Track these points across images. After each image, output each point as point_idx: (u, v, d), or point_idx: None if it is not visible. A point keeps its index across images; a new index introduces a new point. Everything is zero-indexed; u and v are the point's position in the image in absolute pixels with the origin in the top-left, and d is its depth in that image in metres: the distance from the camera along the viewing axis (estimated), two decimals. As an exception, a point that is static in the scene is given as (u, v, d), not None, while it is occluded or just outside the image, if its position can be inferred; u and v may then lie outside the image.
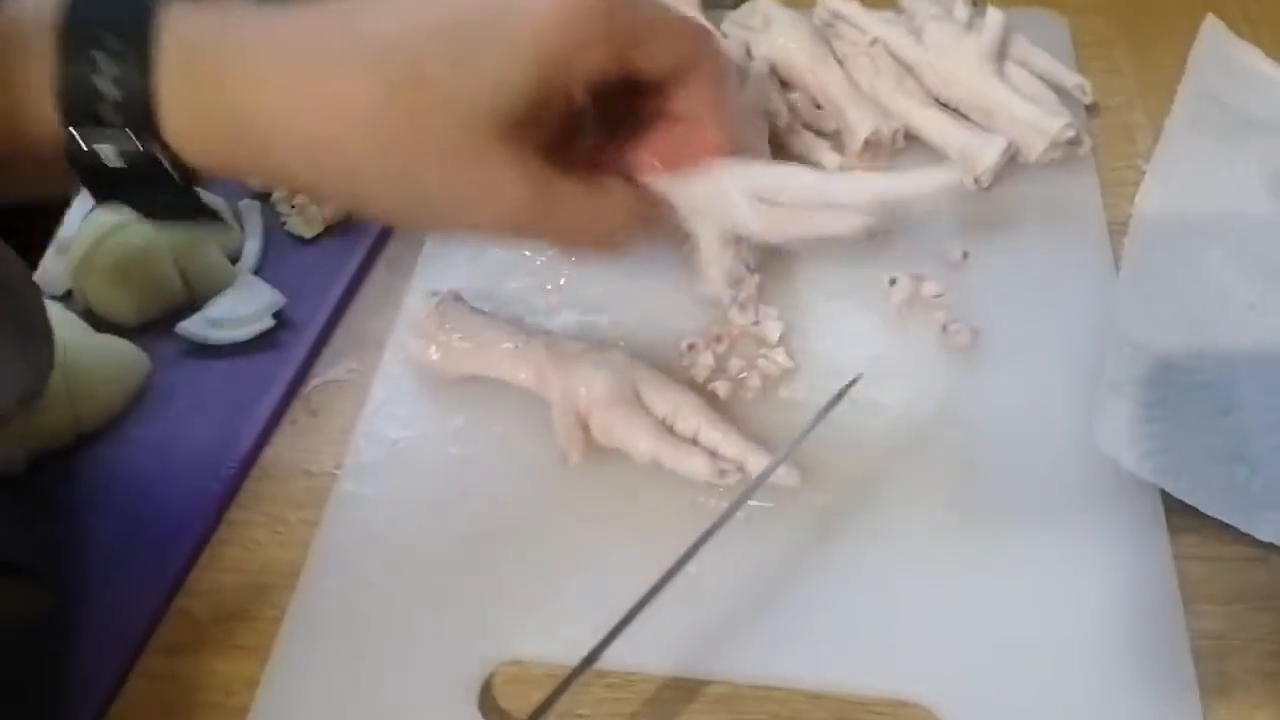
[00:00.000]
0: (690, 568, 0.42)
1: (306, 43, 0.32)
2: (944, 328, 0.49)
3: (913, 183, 0.40)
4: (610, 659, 0.39)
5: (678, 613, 0.41)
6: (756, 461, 0.43)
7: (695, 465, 0.43)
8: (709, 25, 0.39)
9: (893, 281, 0.51)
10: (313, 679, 0.42)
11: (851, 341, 0.50)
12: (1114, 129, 0.58)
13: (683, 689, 0.41)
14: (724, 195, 0.44)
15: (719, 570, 0.42)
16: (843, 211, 0.42)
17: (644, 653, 0.41)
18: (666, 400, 0.45)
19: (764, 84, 0.54)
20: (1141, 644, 0.39)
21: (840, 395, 0.43)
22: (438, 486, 0.47)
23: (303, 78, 0.32)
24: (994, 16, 0.56)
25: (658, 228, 0.40)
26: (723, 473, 0.43)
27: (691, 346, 0.50)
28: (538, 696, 0.39)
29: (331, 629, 0.44)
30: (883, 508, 0.44)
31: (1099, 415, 0.44)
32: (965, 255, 0.52)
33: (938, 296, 0.50)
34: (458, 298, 0.50)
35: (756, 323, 0.50)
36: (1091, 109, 0.59)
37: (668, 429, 0.45)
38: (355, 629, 0.43)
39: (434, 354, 0.49)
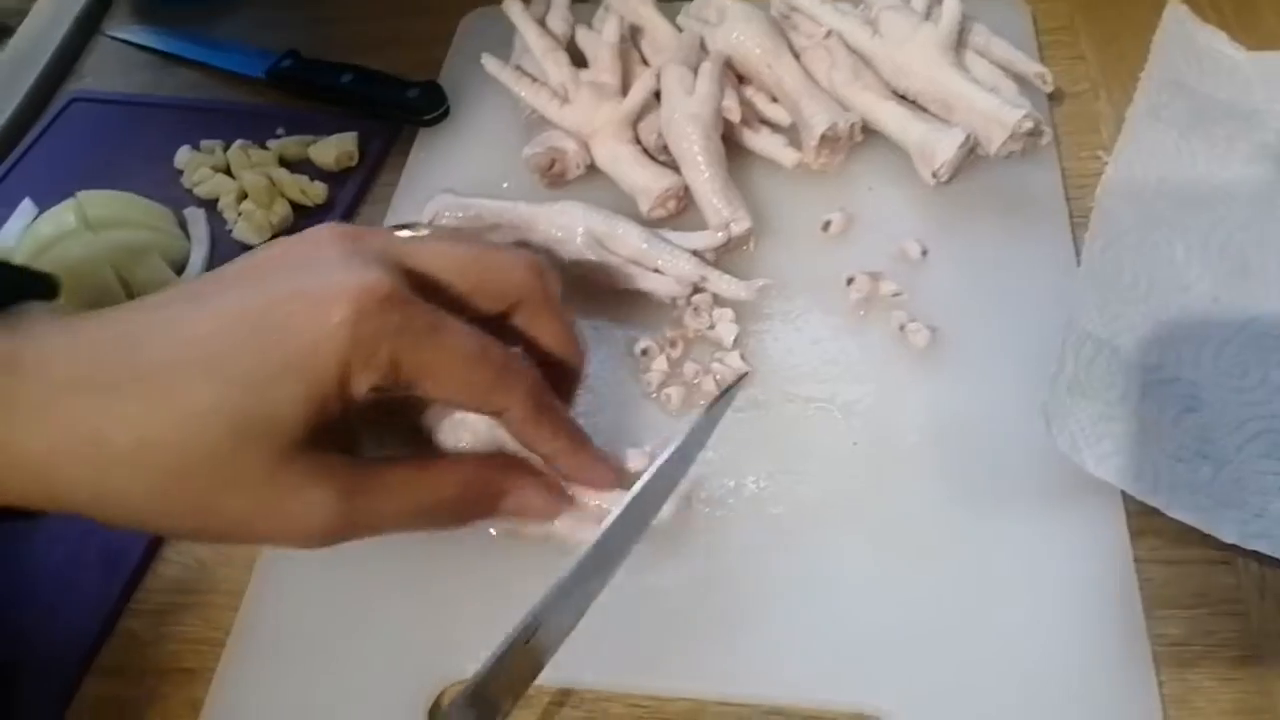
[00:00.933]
0: (648, 578, 0.42)
1: (78, 368, 0.30)
2: (902, 327, 0.48)
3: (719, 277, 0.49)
4: (564, 674, 0.38)
5: (632, 626, 0.40)
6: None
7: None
8: (500, 353, 0.34)
9: (850, 280, 0.50)
10: (257, 703, 0.41)
11: (808, 344, 0.49)
12: (1077, 118, 0.57)
13: (634, 705, 0.40)
14: (568, 224, 0.49)
15: (675, 581, 0.41)
16: (662, 278, 0.49)
17: (593, 668, 0.40)
18: None
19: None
20: (1102, 651, 0.38)
21: (727, 393, 0.41)
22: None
23: (71, 409, 0.29)
24: (950, 5, 0.54)
25: (495, 498, 0.37)
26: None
27: (645, 351, 0.49)
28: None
29: (276, 650, 0.42)
30: (839, 516, 0.43)
31: (1056, 415, 0.43)
32: (924, 252, 0.51)
33: (896, 295, 0.49)
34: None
35: (711, 326, 0.49)
36: (1054, 97, 0.58)
37: None
38: (300, 650, 0.42)
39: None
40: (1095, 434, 0.43)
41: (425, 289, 0.33)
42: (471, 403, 0.34)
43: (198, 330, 0.31)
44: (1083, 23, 0.63)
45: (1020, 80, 0.56)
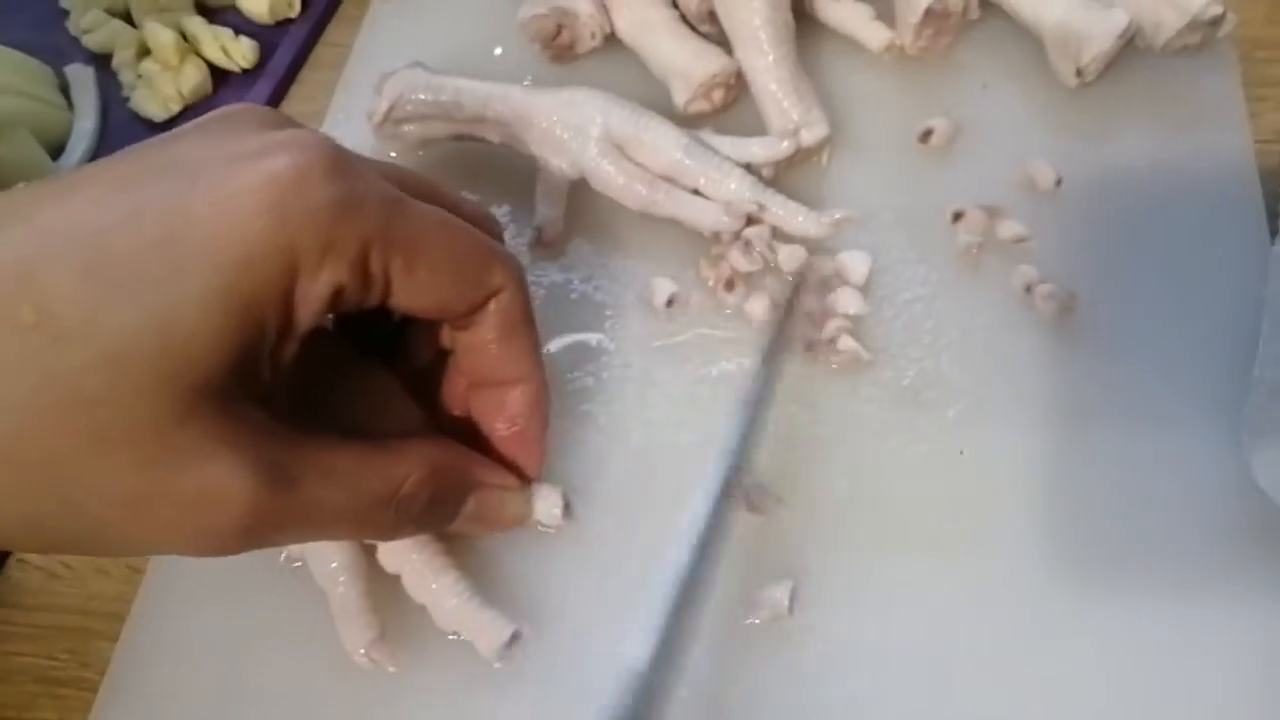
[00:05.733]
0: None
1: None
2: (1028, 289, 0.35)
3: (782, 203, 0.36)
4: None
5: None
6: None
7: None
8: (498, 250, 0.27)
9: (957, 216, 0.37)
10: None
11: (898, 304, 0.36)
12: (1257, 3, 0.43)
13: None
14: (578, 122, 0.36)
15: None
16: (705, 204, 0.36)
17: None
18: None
19: None
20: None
21: None
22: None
23: None
24: None
25: (463, 495, 0.28)
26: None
27: (670, 302, 0.36)
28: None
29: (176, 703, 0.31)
30: (940, 554, 0.31)
31: (1255, 434, 0.31)
32: (1059, 181, 0.37)
33: (1020, 241, 0.36)
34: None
35: (770, 266, 0.36)
36: (1227, -28, 0.43)
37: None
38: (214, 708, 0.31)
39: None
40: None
41: None
42: (463, 288, 0.26)
43: (65, 214, 0.21)
44: None
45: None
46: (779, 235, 0.36)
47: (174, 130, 0.24)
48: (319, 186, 0.22)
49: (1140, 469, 0.32)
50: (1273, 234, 0.36)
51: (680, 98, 0.39)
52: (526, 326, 0.28)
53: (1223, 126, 0.39)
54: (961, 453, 0.33)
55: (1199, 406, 0.33)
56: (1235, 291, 0.35)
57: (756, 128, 0.38)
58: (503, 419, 0.29)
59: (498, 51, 0.45)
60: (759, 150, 0.37)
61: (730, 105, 0.40)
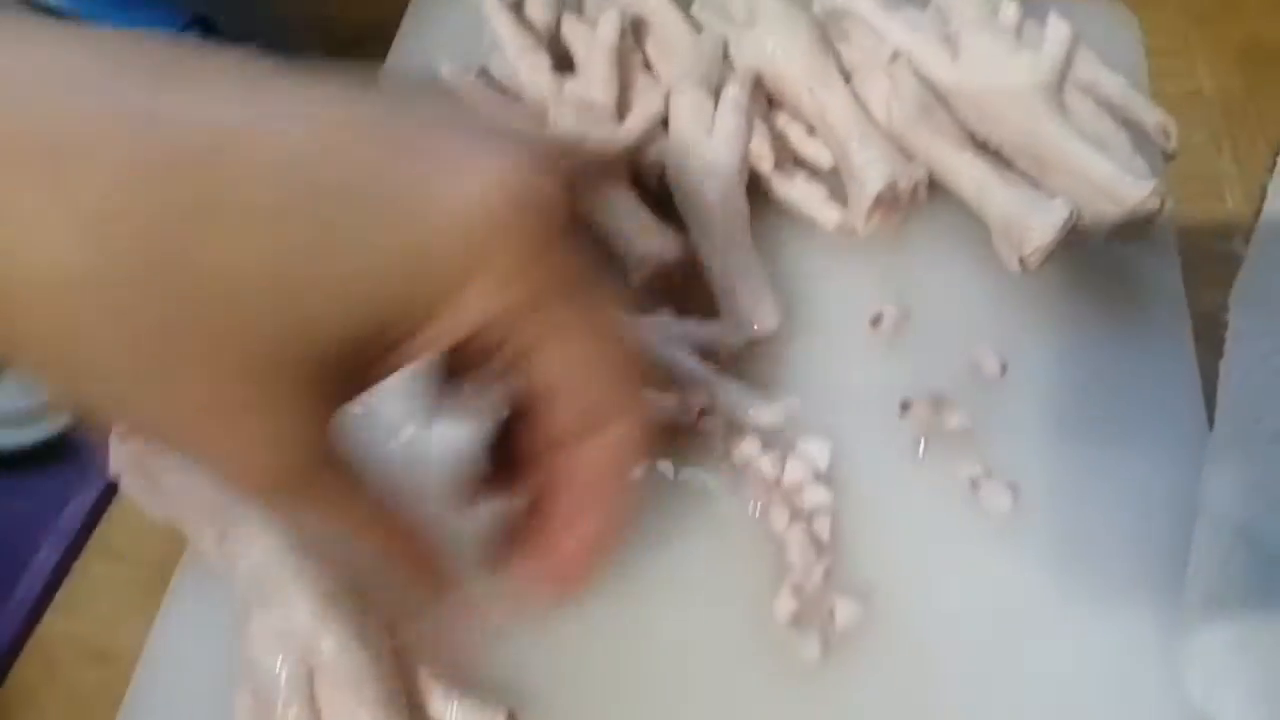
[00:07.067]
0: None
1: (51, 114, 0.18)
2: (974, 484, 0.36)
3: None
4: None
5: None
6: None
7: None
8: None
9: (905, 407, 0.38)
10: None
11: (847, 491, 0.37)
12: (1194, 179, 0.45)
13: None
14: None
15: None
16: (660, 398, 0.36)
17: None
18: None
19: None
20: None
21: None
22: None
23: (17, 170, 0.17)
24: (1058, 28, 0.41)
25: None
26: None
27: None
28: None
29: None
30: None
31: (1190, 639, 0.32)
32: (1004, 368, 0.39)
33: (966, 432, 0.37)
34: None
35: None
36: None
37: None
38: None
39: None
40: (1233, 669, 0.32)
41: None
42: (596, 393, 0.23)
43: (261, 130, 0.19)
44: (1199, 40, 0.50)
45: (1129, 126, 0.43)
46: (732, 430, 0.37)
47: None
48: (531, 208, 0.20)
49: (1080, 663, 0.33)
50: (1210, 421, 0.37)
51: (634, 277, 0.40)
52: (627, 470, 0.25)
53: (1163, 309, 0.40)
54: (909, 649, 0.34)
55: (1138, 598, 0.34)
56: (1174, 480, 0.36)
57: (704, 301, 0.39)
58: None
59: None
60: (712, 337, 0.38)
61: (682, 284, 0.41)
